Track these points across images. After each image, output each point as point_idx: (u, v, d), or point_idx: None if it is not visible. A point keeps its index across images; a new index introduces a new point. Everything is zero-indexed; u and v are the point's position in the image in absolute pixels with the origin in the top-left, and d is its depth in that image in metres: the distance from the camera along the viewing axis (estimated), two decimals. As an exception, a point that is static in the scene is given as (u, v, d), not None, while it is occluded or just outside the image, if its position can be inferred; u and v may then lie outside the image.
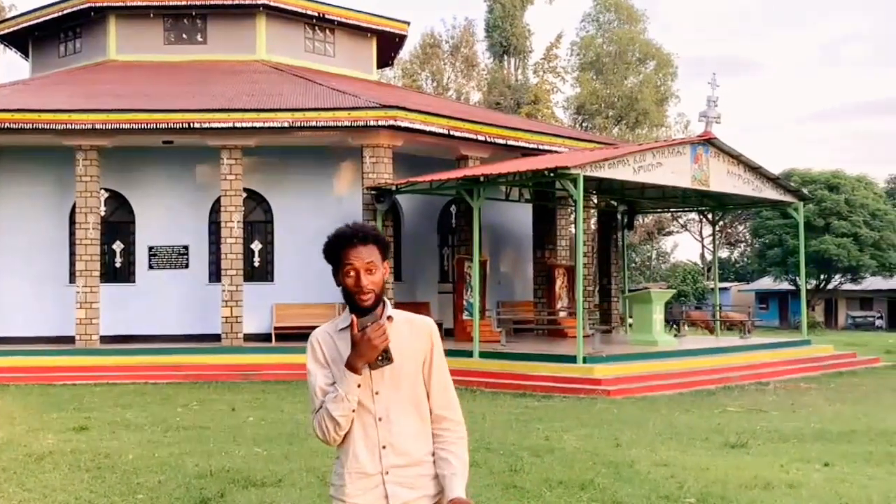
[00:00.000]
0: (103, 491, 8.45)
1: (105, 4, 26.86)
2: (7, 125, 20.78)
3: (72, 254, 22.20)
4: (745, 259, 65.45)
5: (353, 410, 3.15)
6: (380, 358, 3.11)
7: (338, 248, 3.19)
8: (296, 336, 22.18)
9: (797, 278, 44.86)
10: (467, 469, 3.30)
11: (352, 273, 3.16)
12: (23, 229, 22.86)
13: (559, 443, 10.98)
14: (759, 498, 8.14)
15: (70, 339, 21.23)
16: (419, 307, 23.14)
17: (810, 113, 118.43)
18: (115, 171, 22.47)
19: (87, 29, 27.94)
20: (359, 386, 3.13)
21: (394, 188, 21.03)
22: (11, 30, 29.83)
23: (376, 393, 3.18)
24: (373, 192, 21.11)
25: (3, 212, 22.99)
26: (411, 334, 3.25)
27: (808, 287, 45.95)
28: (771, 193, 23.25)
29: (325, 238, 3.26)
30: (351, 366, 3.11)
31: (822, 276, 51.42)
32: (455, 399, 3.34)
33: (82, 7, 27.05)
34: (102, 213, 21.92)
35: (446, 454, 3.24)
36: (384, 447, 3.17)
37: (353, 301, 3.17)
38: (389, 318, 3.20)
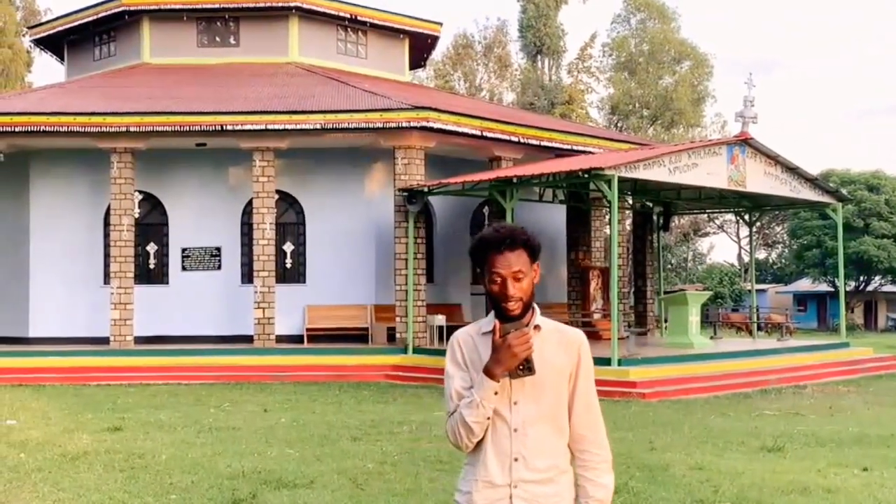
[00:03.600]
0: (137, 491, 8.50)
1: (139, 8, 27.09)
2: (43, 128, 21.01)
3: (106, 255, 22.37)
4: (783, 260, 64.74)
5: (488, 418, 3.02)
6: (521, 367, 2.97)
7: (484, 253, 3.06)
8: (328, 337, 22.23)
9: (836, 280, 44.29)
10: (610, 495, 3.14)
11: (498, 280, 3.03)
12: (58, 231, 23.08)
13: (593, 446, 10.84)
14: (795, 503, 8.01)
15: (104, 340, 21.38)
16: (451, 309, 23.09)
17: (850, 112, 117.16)
18: (148, 174, 22.62)
19: (121, 32, 28.17)
20: (496, 393, 2.99)
21: (426, 189, 20.98)
22: (47, 33, 30.18)
23: (514, 403, 3.04)
24: (405, 194, 21.06)
25: (38, 214, 23.21)
26: (559, 346, 3.10)
27: (847, 289, 45.31)
28: (809, 194, 22.96)
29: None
30: (489, 372, 2.97)
31: (861, 278, 50.76)
32: (600, 420, 3.17)
33: (117, 10, 27.28)
34: (136, 215, 22.08)
35: (585, 481, 3.11)
36: (515, 459, 3.03)
37: (500, 309, 3.05)
38: (537, 327, 3.07)
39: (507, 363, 2.96)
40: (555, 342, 3.10)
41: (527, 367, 2.97)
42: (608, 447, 3.17)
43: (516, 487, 3.03)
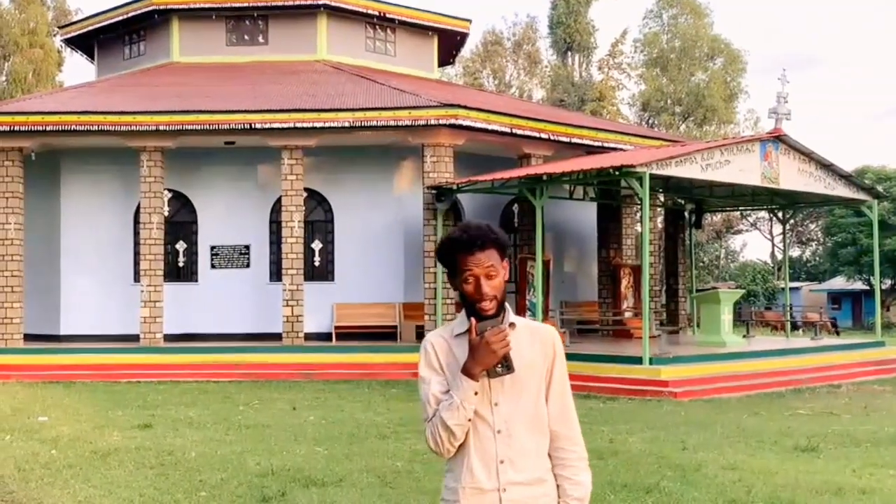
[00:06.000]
0: (167, 488, 8.53)
1: (168, 7, 27.23)
2: (74, 127, 21.13)
3: (136, 253, 22.47)
4: (817, 258, 64.06)
5: (469, 420, 2.97)
6: (499, 366, 2.93)
7: (454, 255, 3.02)
8: (356, 335, 22.22)
9: (871, 278, 43.75)
10: (588, 493, 3.09)
11: (471, 280, 2.99)
12: (89, 229, 23.22)
13: (624, 445, 10.77)
14: (829, 503, 7.87)
15: (135, 338, 21.47)
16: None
17: (887, 108, 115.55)
18: (178, 172, 22.71)
19: (150, 31, 28.34)
20: (476, 394, 2.94)
21: (455, 187, 20.90)
22: (77, 33, 30.40)
23: (495, 404, 3.00)
24: (433, 192, 21.00)
25: (69, 212, 23.37)
26: (533, 343, 3.07)
27: (883, 287, 44.74)
28: (843, 191, 22.66)
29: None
30: (468, 372, 2.93)
31: (896, 276, 50.12)
32: (574, 416, 3.13)
33: (146, 10, 27.44)
34: (166, 214, 22.16)
35: (562, 480, 3.07)
36: (502, 462, 2.98)
37: (474, 309, 3.01)
38: (511, 324, 3.04)
39: (486, 361, 2.91)
40: (529, 339, 3.07)
41: (505, 366, 2.93)
42: (583, 444, 3.12)
43: (505, 491, 2.97)
